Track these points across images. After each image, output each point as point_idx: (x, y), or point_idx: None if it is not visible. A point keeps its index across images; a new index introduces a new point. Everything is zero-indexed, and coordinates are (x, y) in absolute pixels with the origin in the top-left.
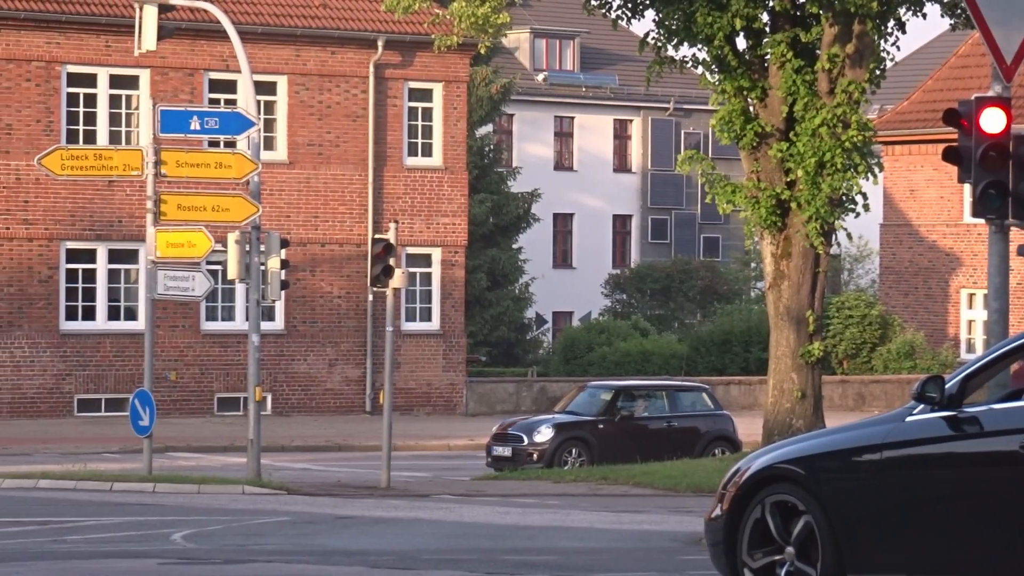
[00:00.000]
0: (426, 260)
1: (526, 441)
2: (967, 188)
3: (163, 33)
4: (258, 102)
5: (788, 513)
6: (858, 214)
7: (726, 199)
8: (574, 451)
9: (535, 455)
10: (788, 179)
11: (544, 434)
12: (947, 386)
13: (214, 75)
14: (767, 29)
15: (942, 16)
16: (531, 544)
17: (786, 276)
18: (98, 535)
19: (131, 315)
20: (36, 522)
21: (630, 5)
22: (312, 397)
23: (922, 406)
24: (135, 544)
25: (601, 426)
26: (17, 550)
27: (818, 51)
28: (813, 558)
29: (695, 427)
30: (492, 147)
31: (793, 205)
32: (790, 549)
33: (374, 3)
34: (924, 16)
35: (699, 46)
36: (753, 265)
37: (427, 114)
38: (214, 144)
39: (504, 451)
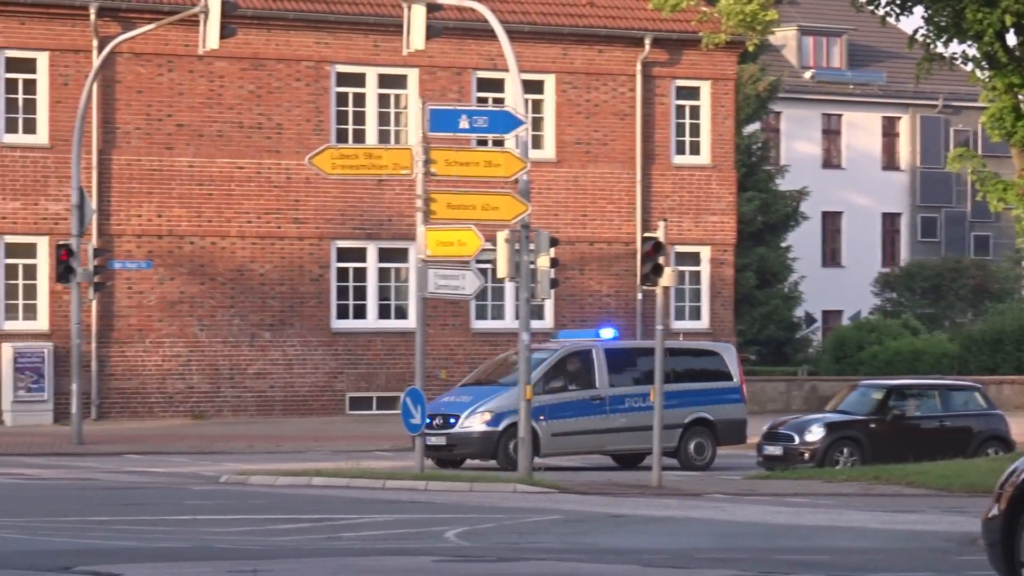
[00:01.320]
0: (695, 258)
1: (797, 440)
2: None
3: (431, 32)
4: (526, 101)
5: None
6: None
7: (997, 197)
8: (845, 450)
9: (806, 454)
10: None
11: (815, 433)
12: None
13: (482, 74)
14: None
15: None
16: (804, 544)
17: None
18: (372, 532)
19: (401, 313)
20: (310, 519)
21: (899, 1)
22: None
23: None
24: (409, 542)
25: (873, 425)
26: (292, 547)
27: None
28: None
29: (968, 426)
30: (760, 145)
31: None
32: None
33: (641, 1)
34: None
35: (968, 43)
36: None
37: (695, 112)
38: (482, 143)
39: (775, 450)
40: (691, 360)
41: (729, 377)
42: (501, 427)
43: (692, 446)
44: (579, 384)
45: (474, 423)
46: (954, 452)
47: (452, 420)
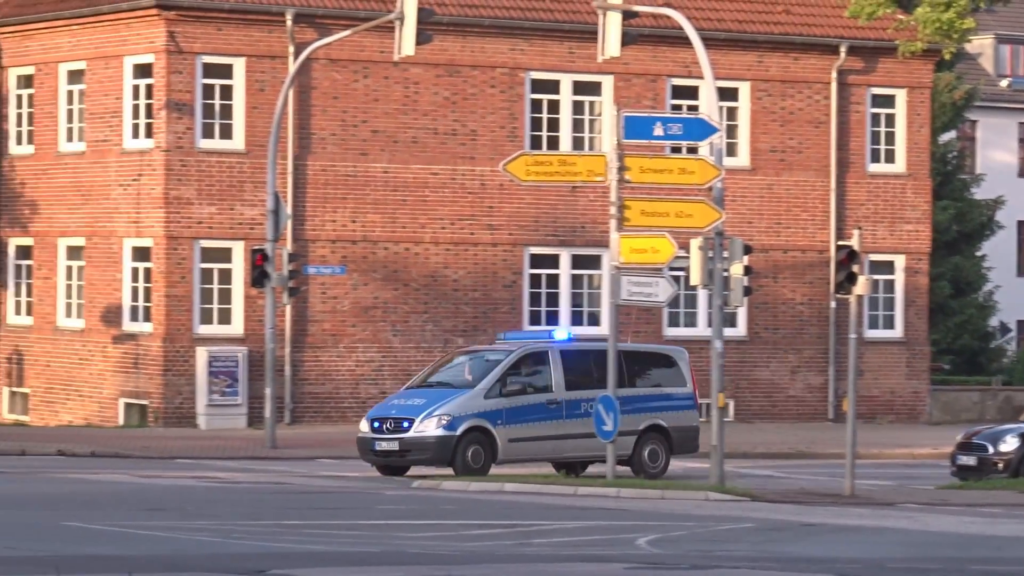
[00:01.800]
0: (889, 267)
1: (991, 450)
2: None
3: (626, 39)
4: (720, 108)
5: None
6: None
7: None
8: None
9: (1000, 464)
10: None
11: (1010, 444)
12: None
13: (676, 81)
14: None
15: None
16: (998, 555)
17: None
18: (563, 539)
19: (594, 320)
20: (502, 525)
21: None
22: (774, 404)
23: None
24: (600, 548)
25: None
26: (484, 552)
27: None
28: None
29: None
30: (955, 154)
31: None
32: None
33: (837, 9)
34: None
35: None
36: None
37: (890, 120)
38: (676, 150)
39: (969, 460)
40: (645, 364)
41: (683, 383)
42: (459, 431)
43: (646, 453)
44: (535, 387)
45: (429, 427)
46: None
47: (405, 424)
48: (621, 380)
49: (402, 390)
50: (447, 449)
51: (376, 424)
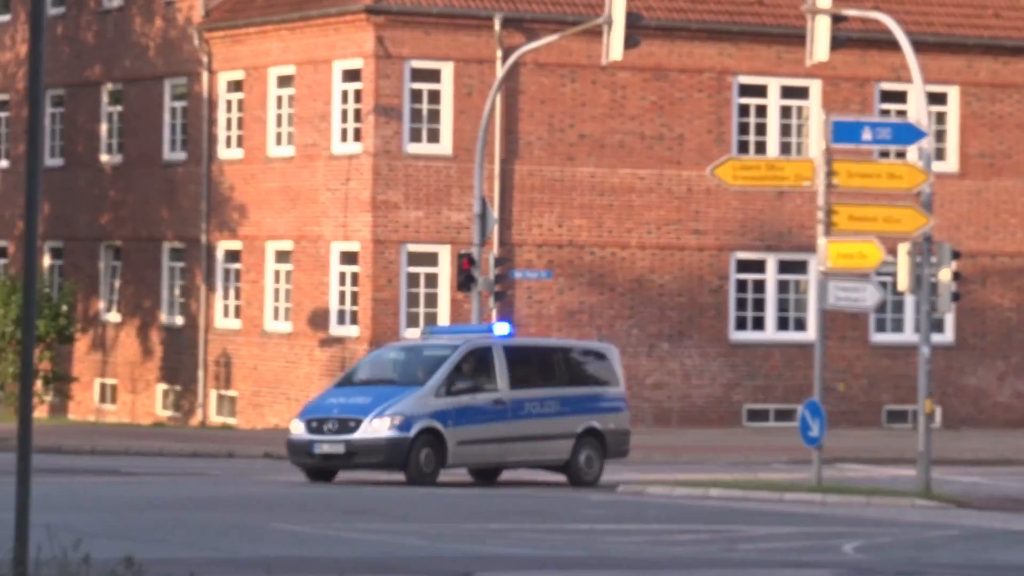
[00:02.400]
0: None
1: None
2: None
3: (835, 43)
4: (929, 112)
5: None
6: None
7: None
8: None
9: None
10: None
11: None
12: None
13: (885, 85)
14: None
15: None
16: None
17: None
18: (769, 544)
19: (800, 325)
20: (707, 530)
21: None
22: (982, 410)
23: None
24: (805, 554)
25: None
26: (689, 556)
27: None
28: None
29: None
30: None
31: None
32: None
33: None
34: None
35: None
36: None
37: None
38: (883, 155)
39: None
40: (579, 362)
41: (616, 382)
42: (413, 433)
43: (582, 459)
44: (480, 386)
45: (381, 428)
46: None
47: (351, 424)
48: (560, 379)
49: (333, 387)
50: (400, 452)
51: (314, 425)
